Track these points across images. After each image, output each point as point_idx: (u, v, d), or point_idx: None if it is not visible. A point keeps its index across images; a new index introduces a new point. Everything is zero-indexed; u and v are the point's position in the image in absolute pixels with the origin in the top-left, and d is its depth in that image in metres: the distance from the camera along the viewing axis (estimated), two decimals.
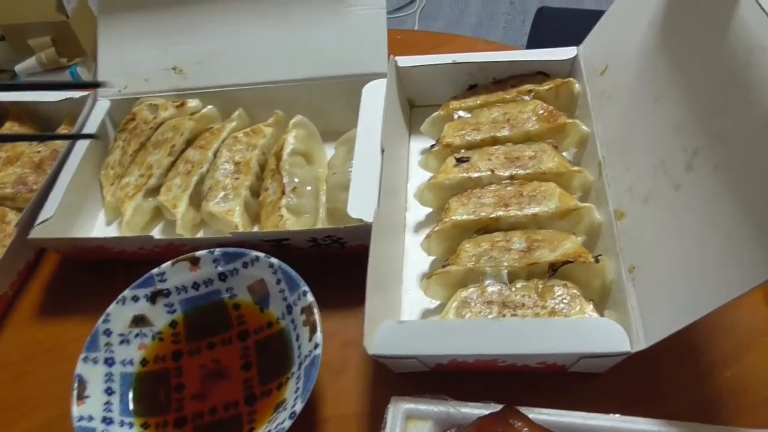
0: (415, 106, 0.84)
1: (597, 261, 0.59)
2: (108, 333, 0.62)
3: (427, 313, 0.65)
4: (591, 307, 0.57)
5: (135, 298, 0.64)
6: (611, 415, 0.51)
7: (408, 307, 0.65)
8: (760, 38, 0.45)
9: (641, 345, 0.50)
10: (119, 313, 0.63)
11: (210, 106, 0.83)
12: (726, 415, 0.56)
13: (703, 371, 0.58)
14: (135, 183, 0.78)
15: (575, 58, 0.74)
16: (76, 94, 0.85)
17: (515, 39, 2.29)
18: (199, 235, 0.77)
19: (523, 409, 0.52)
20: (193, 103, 0.83)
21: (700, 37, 0.53)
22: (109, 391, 0.59)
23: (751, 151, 0.45)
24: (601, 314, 0.58)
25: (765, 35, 0.44)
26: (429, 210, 0.73)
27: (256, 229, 0.76)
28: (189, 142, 0.81)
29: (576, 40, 0.75)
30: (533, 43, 1.45)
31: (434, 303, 0.65)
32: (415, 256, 0.69)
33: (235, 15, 0.81)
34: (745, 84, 0.46)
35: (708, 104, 0.51)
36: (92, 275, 0.76)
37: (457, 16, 2.46)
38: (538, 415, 0.52)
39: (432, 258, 0.68)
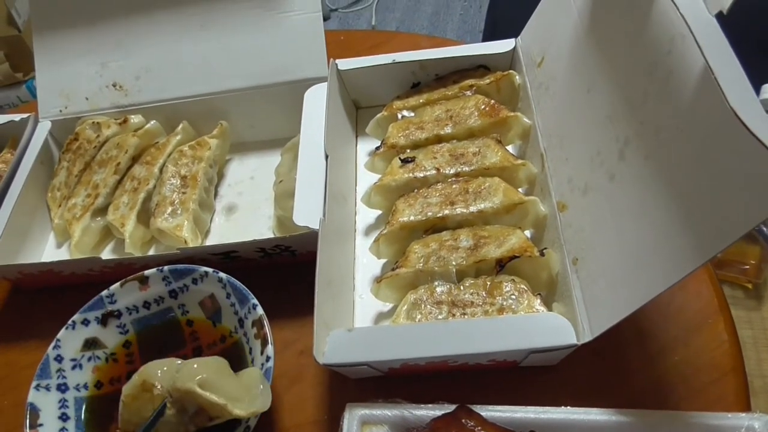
0: (361, 107, 0.84)
1: (542, 254, 0.59)
2: (59, 359, 0.61)
3: (380, 317, 0.65)
4: (538, 301, 0.57)
5: (85, 322, 0.63)
6: (562, 407, 0.52)
7: (361, 312, 0.65)
8: (678, 26, 0.45)
9: (587, 337, 0.51)
10: (70, 338, 0.62)
11: (153, 121, 0.82)
12: (676, 398, 0.56)
13: (654, 356, 0.59)
14: (82, 203, 0.77)
15: (514, 49, 0.74)
16: (17, 116, 0.83)
17: (473, 25, 2.28)
18: (151, 252, 0.76)
19: (477, 408, 0.52)
20: (136, 119, 0.82)
21: (625, 26, 0.54)
22: (64, 418, 0.59)
23: (675, 140, 0.45)
24: (550, 307, 0.58)
25: (682, 22, 0.44)
26: (379, 212, 0.73)
27: (209, 242, 0.75)
28: (134, 159, 0.80)
29: None
30: (489, 30, 1.44)
31: (387, 306, 0.65)
32: (366, 260, 0.69)
33: (170, 28, 0.79)
34: (667, 72, 0.47)
35: (635, 93, 0.51)
36: (45, 299, 0.75)
37: (414, 5, 2.45)
38: (492, 412, 0.52)
39: (383, 261, 0.68)
